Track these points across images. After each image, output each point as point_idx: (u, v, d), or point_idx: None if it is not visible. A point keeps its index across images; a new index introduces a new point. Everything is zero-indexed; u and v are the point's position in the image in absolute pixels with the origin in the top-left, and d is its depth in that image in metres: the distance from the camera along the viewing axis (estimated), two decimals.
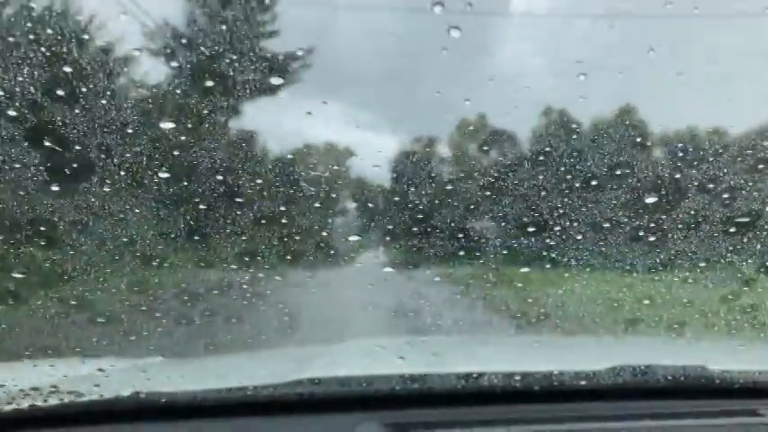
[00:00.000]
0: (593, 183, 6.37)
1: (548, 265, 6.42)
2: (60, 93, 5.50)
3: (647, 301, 5.86)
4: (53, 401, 1.13)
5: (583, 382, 1.26)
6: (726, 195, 5.75)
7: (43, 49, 5.62)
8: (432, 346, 2.28)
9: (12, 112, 5.66)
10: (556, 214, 6.09)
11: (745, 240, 5.64)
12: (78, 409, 1.12)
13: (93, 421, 1.12)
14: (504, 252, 7.95)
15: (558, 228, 5.92)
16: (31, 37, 6.07)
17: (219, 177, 6.78)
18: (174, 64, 10.19)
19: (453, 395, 1.19)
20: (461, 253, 8.25)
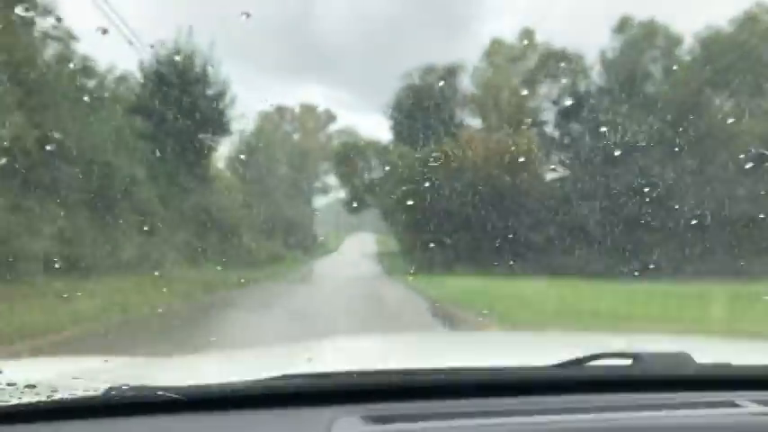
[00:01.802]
0: None
1: None
2: None
3: None
4: (27, 399, 1.12)
5: (560, 374, 1.27)
6: None
7: None
8: (412, 342, 2.30)
9: None
10: None
11: None
12: (54, 405, 1.11)
13: (69, 417, 1.11)
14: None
15: None
16: None
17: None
18: None
19: (433, 389, 1.20)
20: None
